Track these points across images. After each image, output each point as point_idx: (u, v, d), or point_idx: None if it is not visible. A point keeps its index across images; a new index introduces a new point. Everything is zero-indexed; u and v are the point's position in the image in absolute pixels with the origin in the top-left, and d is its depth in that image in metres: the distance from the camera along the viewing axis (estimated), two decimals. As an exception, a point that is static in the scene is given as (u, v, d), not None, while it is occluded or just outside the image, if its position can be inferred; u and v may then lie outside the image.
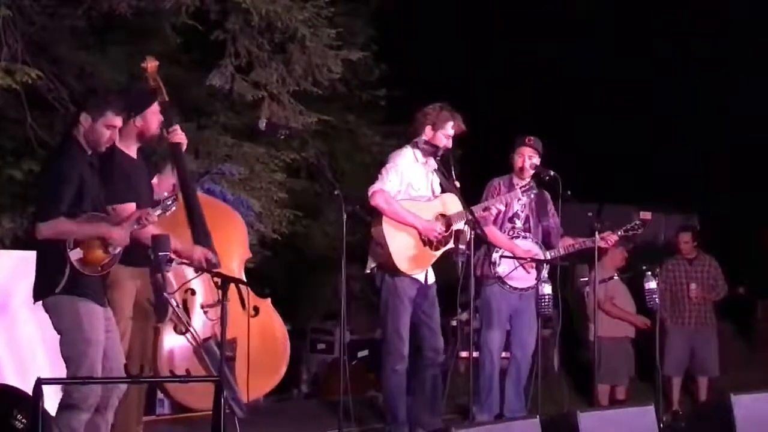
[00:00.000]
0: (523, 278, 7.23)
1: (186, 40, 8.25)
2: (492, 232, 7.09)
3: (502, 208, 7.12)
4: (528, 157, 7.31)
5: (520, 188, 7.10)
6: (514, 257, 7.15)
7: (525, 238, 7.34)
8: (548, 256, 7.31)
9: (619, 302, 9.11)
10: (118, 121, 5.26)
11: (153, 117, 5.84)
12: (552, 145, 7.66)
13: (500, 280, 7.24)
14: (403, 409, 6.72)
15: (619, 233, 7.46)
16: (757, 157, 12.92)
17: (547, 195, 7.40)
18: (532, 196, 7.19)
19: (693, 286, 9.18)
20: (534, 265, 7.16)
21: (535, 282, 7.14)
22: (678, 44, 13.61)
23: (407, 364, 6.70)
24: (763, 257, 10.97)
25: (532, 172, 7.28)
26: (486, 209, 6.97)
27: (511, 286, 7.25)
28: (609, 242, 7.44)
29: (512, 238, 7.31)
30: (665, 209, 11.92)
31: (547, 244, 7.43)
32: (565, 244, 7.41)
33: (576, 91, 13.65)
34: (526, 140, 7.35)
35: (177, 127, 6.12)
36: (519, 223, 7.37)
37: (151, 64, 6.25)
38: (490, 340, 7.31)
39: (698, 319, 9.25)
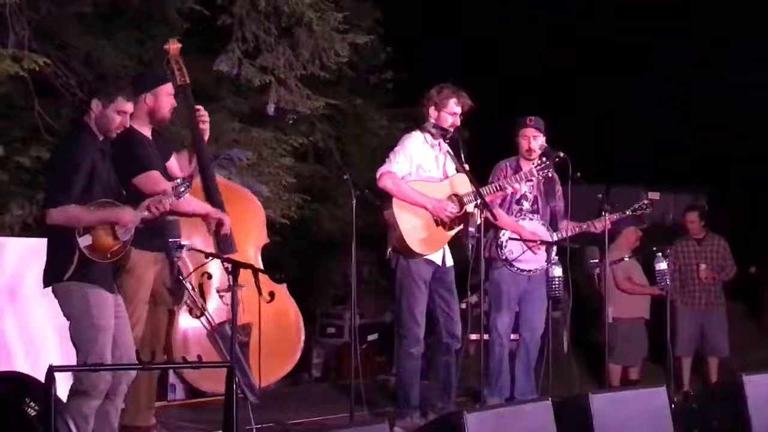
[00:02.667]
0: (531, 260, 7.21)
1: (192, 25, 8.21)
2: (498, 214, 7.07)
3: (518, 187, 7.08)
4: (532, 138, 7.28)
5: (536, 167, 7.05)
6: (521, 239, 7.13)
7: (531, 219, 7.32)
8: (555, 237, 7.29)
9: (635, 281, 9.09)
10: (129, 107, 5.25)
11: (165, 98, 5.83)
12: (561, 125, 7.63)
13: (508, 262, 7.22)
14: (416, 392, 6.72)
15: (627, 213, 7.45)
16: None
17: (556, 176, 7.37)
18: (550, 174, 7.14)
19: (702, 266, 9.17)
20: (538, 247, 7.14)
21: (544, 263, 7.13)
22: (685, 20, 13.51)
23: (423, 347, 6.70)
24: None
25: (540, 152, 7.24)
26: (501, 188, 6.94)
27: (519, 268, 7.23)
28: (605, 226, 7.35)
29: (519, 219, 7.28)
30: (674, 189, 11.89)
31: (553, 225, 7.40)
32: (568, 227, 7.36)
33: (584, 70, 13.58)
34: (527, 121, 7.32)
35: (205, 113, 6.13)
36: (527, 205, 7.35)
37: (173, 47, 6.25)
38: (499, 323, 7.30)
39: (708, 300, 9.24)
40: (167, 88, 5.87)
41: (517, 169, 7.25)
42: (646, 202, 7.57)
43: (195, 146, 6.12)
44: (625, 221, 8.59)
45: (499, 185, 6.96)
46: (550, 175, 7.16)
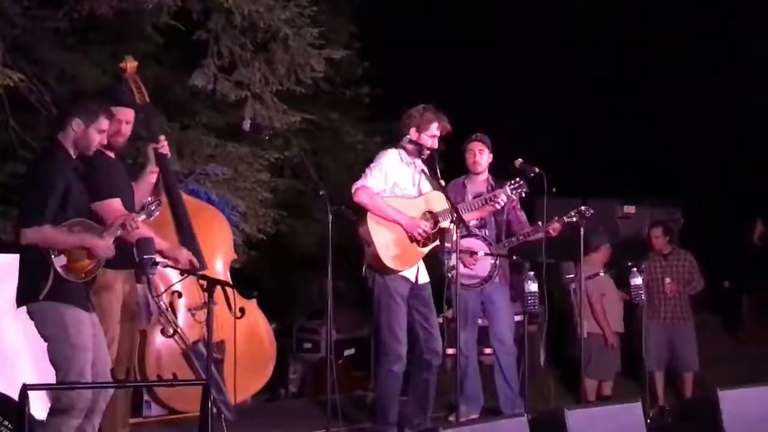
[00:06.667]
0: (466, 275, 7.22)
1: (168, 40, 8.21)
2: None
3: (497, 206, 7.12)
4: (478, 152, 7.43)
5: (509, 186, 7.08)
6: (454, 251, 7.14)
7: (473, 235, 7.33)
8: (496, 249, 7.33)
9: (609, 299, 9.10)
10: (107, 125, 5.29)
11: (116, 123, 5.66)
12: (537, 140, 7.67)
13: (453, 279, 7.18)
14: (395, 409, 6.68)
15: (564, 220, 7.38)
16: (744, 150, 12.92)
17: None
18: (524, 194, 7.16)
19: (667, 280, 9.15)
20: (473, 261, 7.19)
21: (485, 275, 7.21)
22: (663, 39, 13.60)
23: (405, 365, 6.67)
24: (748, 251, 11.00)
25: (486, 166, 7.40)
26: (491, 200, 7.00)
27: (462, 284, 7.19)
28: (554, 231, 7.35)
29: (463, 236, 7.24)
30: (650, 203, 11.94)
31: (510, 235, 7.47)
32: (521, 233, 7.41)
33: (560, 85, 13.64)
34: (474, 137, 7.46)
35: (162, 138, 6.08)
36: (473, 221, 7.36)
37: (130, 65, 6.15)
38: (462, 338, 7.23)
39: (675, 314, 9.21)
40: (122, 113, 5.75)
41: (463, 187, 7.36)
42: (574, 211, 7.46)
43: (161, 172, 6.04)
44: (598, 236, 8.65)
45: (490, 198, 7.00)
46: (523, 194, 7.19)
